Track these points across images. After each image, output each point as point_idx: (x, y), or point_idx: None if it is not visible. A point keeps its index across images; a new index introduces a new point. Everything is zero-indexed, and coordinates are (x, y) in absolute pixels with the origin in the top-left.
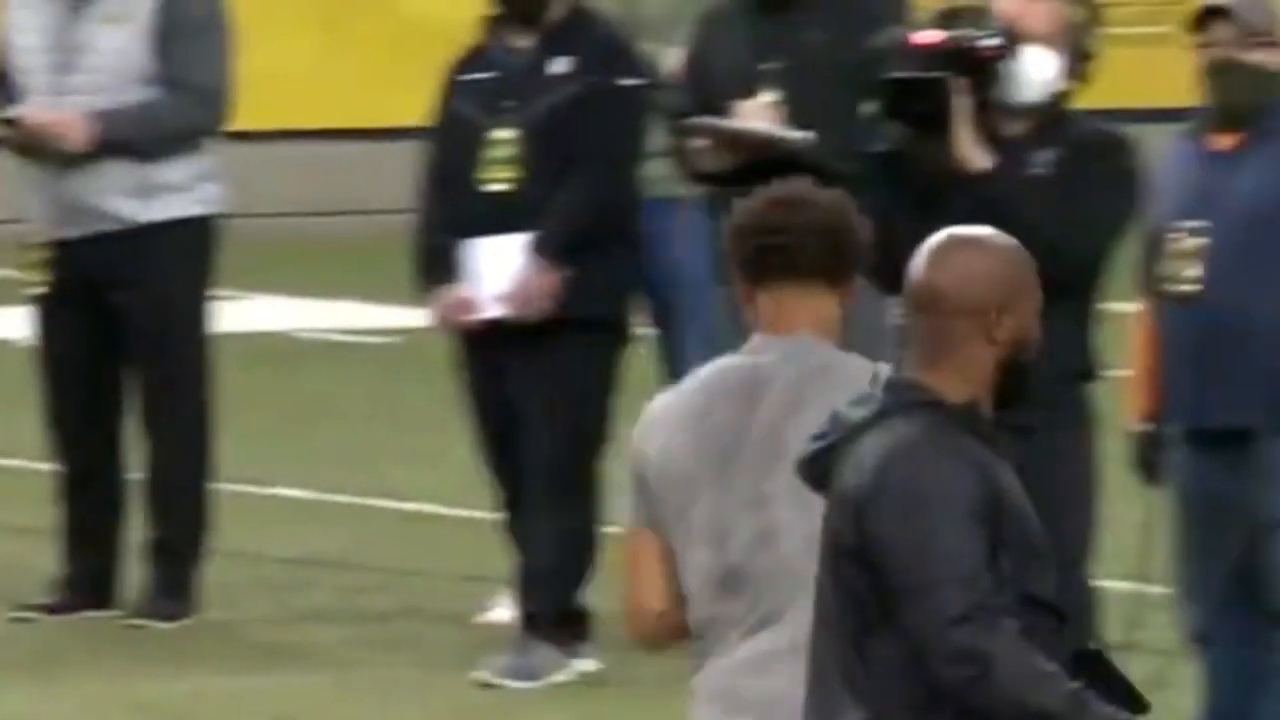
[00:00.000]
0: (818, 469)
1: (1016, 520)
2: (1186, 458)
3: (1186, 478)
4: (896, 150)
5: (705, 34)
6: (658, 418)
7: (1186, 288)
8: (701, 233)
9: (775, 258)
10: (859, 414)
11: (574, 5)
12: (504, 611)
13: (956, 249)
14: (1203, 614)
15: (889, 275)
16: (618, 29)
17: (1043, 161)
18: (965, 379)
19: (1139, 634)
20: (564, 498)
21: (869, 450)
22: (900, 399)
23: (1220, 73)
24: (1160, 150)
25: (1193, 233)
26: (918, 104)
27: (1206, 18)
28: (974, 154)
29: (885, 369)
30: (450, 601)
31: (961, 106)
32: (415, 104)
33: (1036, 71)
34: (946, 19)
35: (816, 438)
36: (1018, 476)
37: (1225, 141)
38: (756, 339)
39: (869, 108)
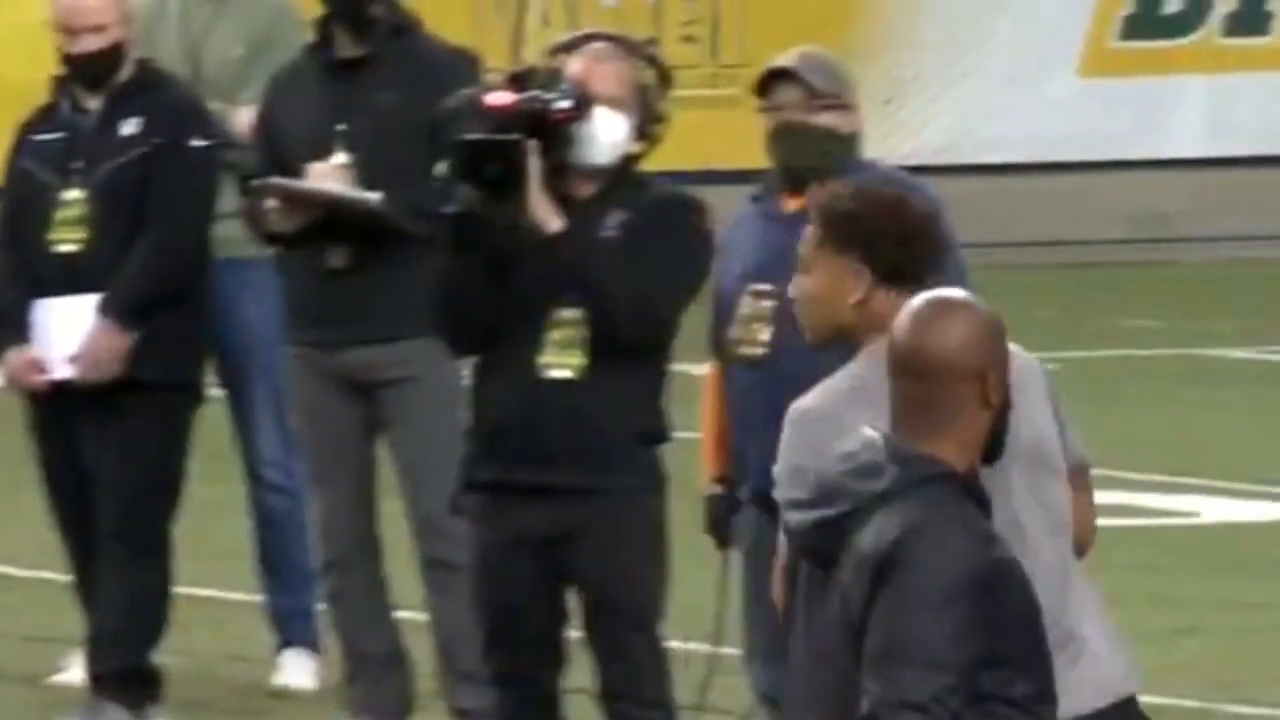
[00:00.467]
0: (829, 538)
1: (1019, 593)
2: (756, 520)
3: (755, 540)
4: (468, 212)
5: (277, 94)
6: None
7: (755, 350)
8: (271, 293)
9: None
10: (869, 486)
11: (143, 65)
12: (76, 672)
13: (944, 314)
14: (772, 676)
15: (459, 337)
16: (186, 89)
17: (613, 224)
18: (964, 445)
19: (710, 696)
20: (134, 558)
21: (889, 526)
22: (914, 473)
23: (786, 136)
24: (729, 212)
25: (760, 295)
26: (490, 166)
27: (772, 81)
28: (546, 216)
29: (872, 435)
30: (22, 661)
31: (533, 169)
32: None
33: (607, 134)
34: (517, 81)
35: (816, 504)
36: (583, 539)
37: (794, 204)
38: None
39: (441, 169)
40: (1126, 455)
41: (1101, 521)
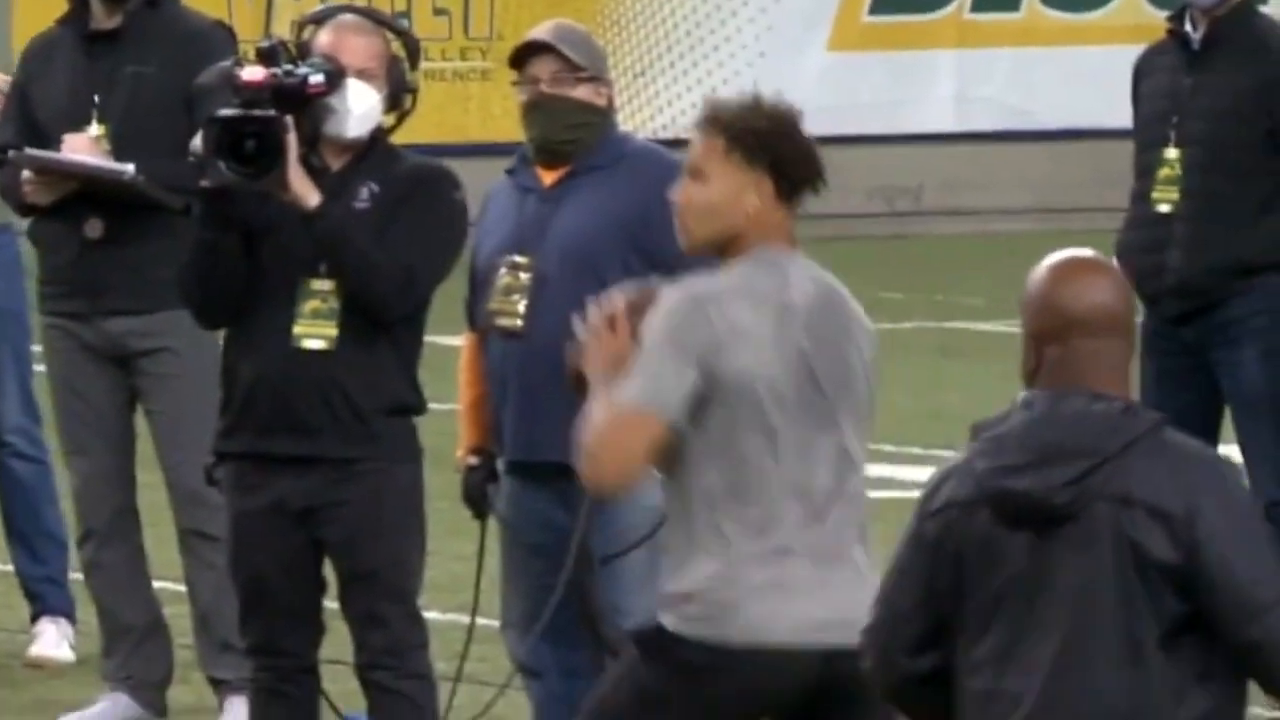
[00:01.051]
0: (1075, 496)
1: None
2: (514, 490)
3: (514, 510)
4: (225, 187)
5: (31, 65)
6: None
7: (513, 322)
8: (9, 262)
9: None
10: (1111, 441)
11: None
12: None
13: (1100, 270)
14: (529, 646)
15: (208, 309)
16: None
17: (365, 196)
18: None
19: (466, 665)
20: None
21: (1167, 469)
22: (1146, 421)
23: (541, 108)
24: (485, 185)
25: (517, 267)
26: (248, 142)
27: (528, 53)
28: (305, 191)
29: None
30: None
31: (291, 144)
32: None
33: (358, 105)
34: (267, 56)
35: (1042, 465)
36: (339, 510)
37: (549, 177)
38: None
39: (196, 145)
40: (881, 429)
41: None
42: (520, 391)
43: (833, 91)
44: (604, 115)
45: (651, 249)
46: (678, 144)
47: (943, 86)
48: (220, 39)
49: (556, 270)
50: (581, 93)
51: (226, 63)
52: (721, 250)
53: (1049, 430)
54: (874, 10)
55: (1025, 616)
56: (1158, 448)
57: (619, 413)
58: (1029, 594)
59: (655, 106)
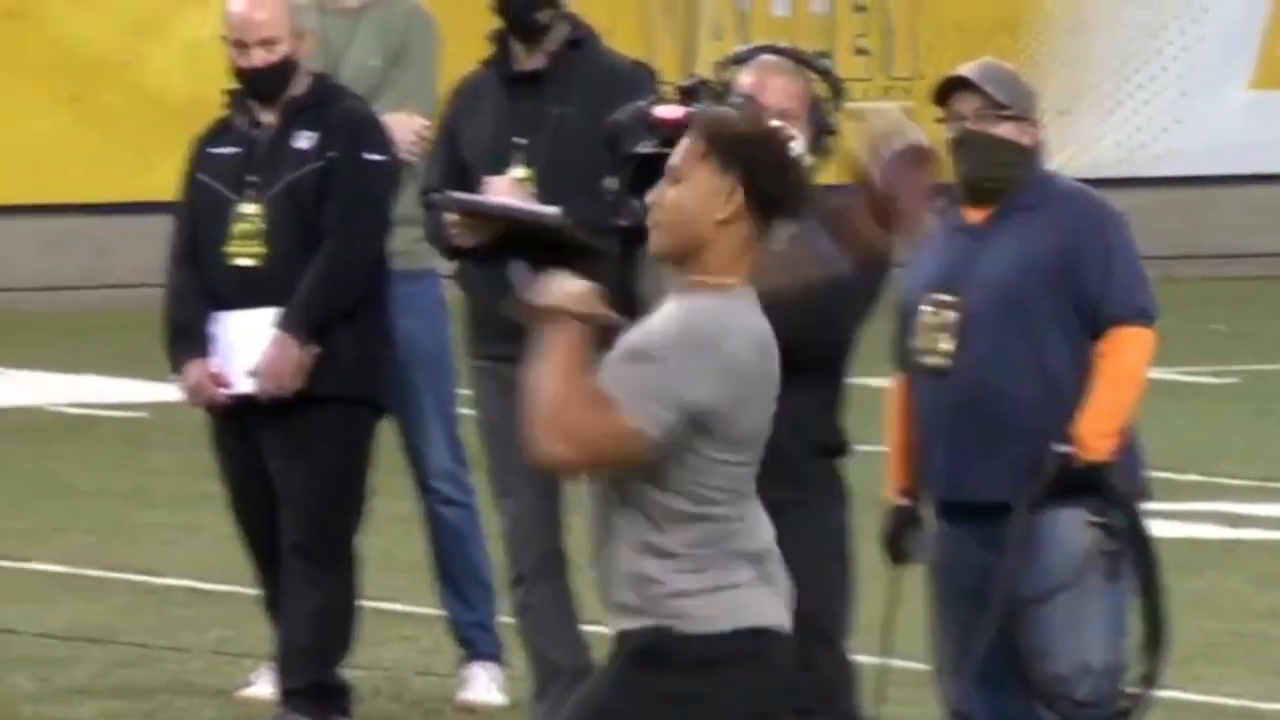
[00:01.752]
0: None
1: None
2: (942, 532)
3: (943, 552)
4: (641, 225)
5: (457, 107)
6: None
7: (938, 361)
8: (434, 305)
9: None
10: None
11: (318, 79)
12: (264, 686)
13: None
14: (962, 690)
15: None
16: (360, 103)
17: (785, 236)
18: None
19: (887, 709)
20: (321, 573)
21: None
22: None
23: (965, 145)
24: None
25: (944, 306)
26: (661, 179)
27: (951, 90)
28: None
29: None
30: (210, 675)
31: None
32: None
33: None
34: (687, 94)
35: None
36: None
37: (976, 215)
38: None
39: (611, 183)
40: None
41: (1275, 535)
42: (948, 431)
43: (1255, 129)
44: (1030, 154)
45: (1078, 290)
46: (1102, 184)
47: None
48: (641, 79)
49: (983, 309)
50: (1006, 130)
51: (643, 101)
52: (684, 259)
53: None
54: None
55: None
56: None
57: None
58: None
59: (1080, 146)
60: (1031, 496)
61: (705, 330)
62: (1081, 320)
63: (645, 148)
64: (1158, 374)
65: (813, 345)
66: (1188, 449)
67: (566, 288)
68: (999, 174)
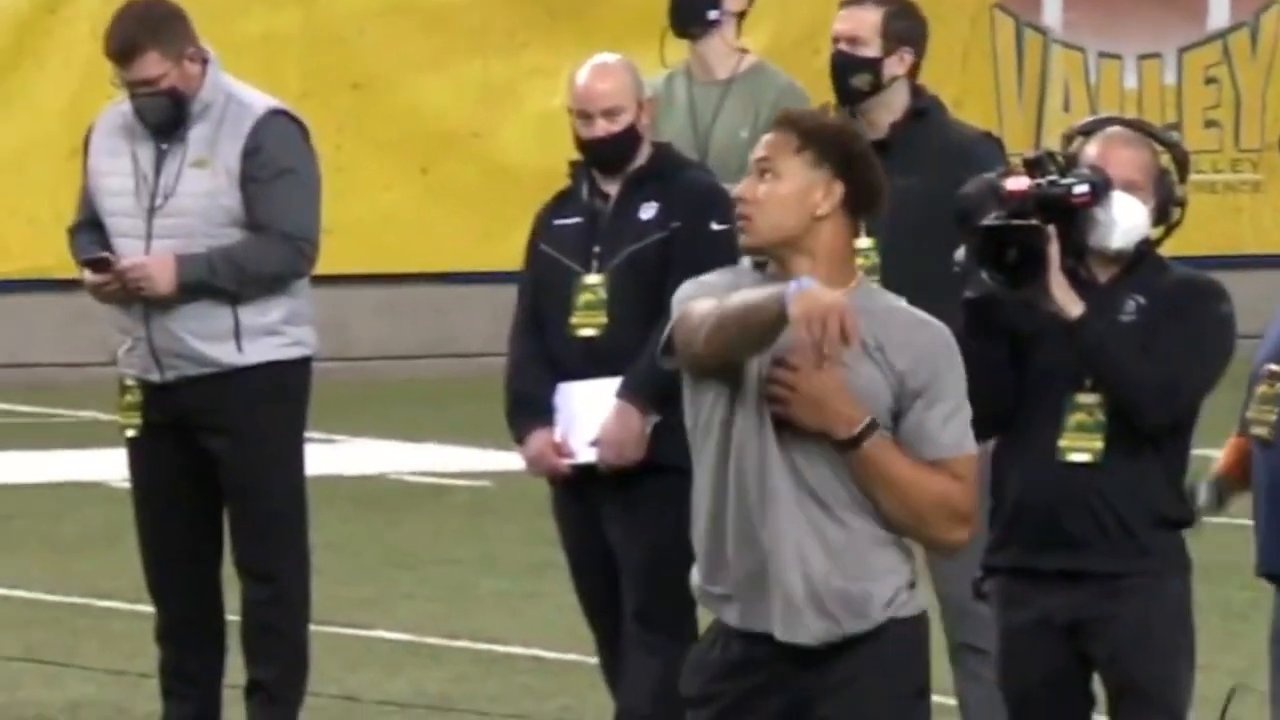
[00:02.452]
0: None
1: None
2: (1276, 602)
3: (1275, 622)
4: (989, 297)
5: None
6: None
7: (1262, 432)
8: None
9: None
10: None
11: (660, 149)
12: None
13: None
14: None
15: (986, 422)
16: (704, 172)
17: (1132, 308)
18: None
19: None
20: (661, 641)
21: None
22: None
23: None
24: (1256, 298)
25: (1274, 377)
26: (1010, 251)
27: None
28: (1067, 301)
29: None
30: None
31: (1053, 254)
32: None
33: (1125, 218)
34: (1033, 165)
35: None
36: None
37: None
38: None
39: (960, 254)
40: None
41: None
42: (1270, 502)
43: None
44: None
45: None
46: None
47: None
48: (989, 150)
49: None
50: None
51: (992, 174)
52: (783, 252)
53: None
54: None
55: None
56: None
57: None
58: None
59: None
60: None
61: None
62: None
63: (991, 220)
64: None
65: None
66: None
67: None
68: None
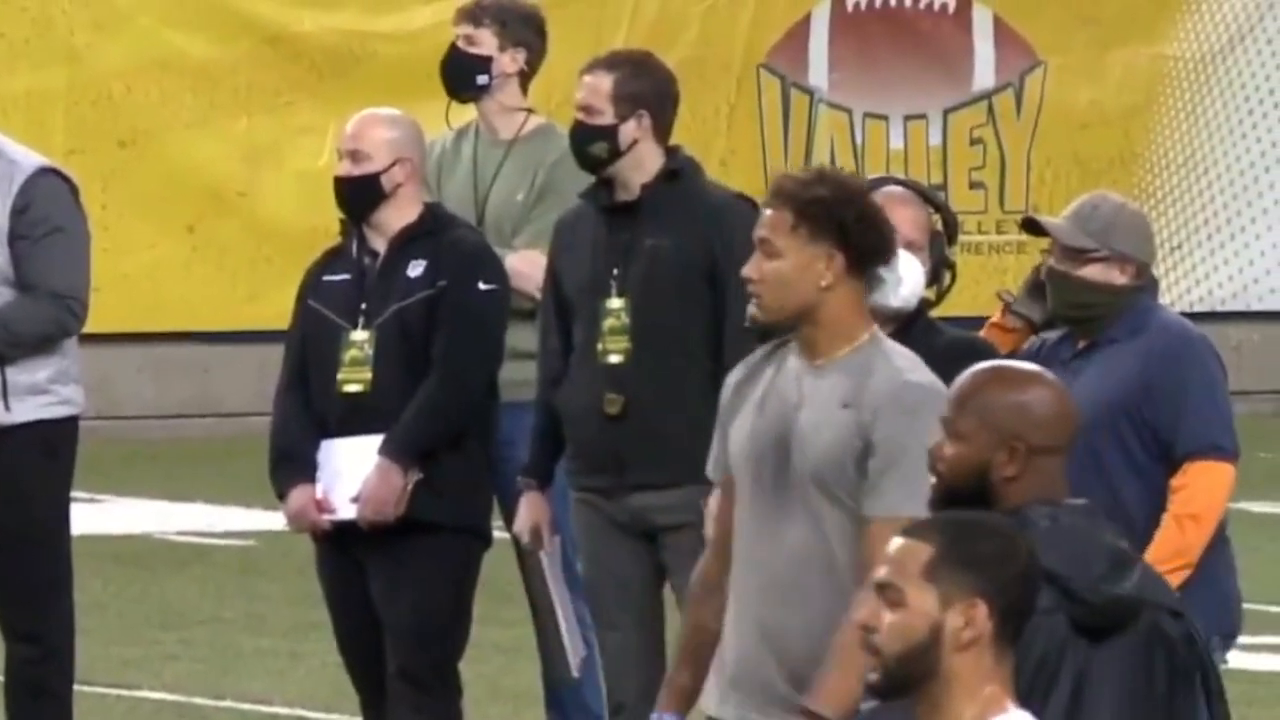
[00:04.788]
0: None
1: None
2: None
3: None
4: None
5: (561, 238)
6: None
7: None
8: None
9: None
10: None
11: (430, 209)
12: None
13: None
14: None
15: None
16: (473, 232)
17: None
18: None
19: None
20: (425, 700)
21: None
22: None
23: (1050, 283)
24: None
25: None
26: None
27: (1034, 229)
28: None
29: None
30: None
31: None
32: (271, 307)
33: (909, 277)
34: None
35: (1121, 574)
36: None
37: (1080, 343)
38: None
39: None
40: None
41: None
42: None
43: None
44: (1118, 293)
45: (1152, 423)
46: (1215, 317)
47: None
48: (743, 212)
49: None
50: (1090, 272)
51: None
52: (795, 323)
53: (1104, 536)
54: None
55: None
56: None
57: None
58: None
59: (1192, 280)
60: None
61: (927, 388)
62: (1157, 454)
63: None
64: (1269, 507)
65: None
66: None
67: None
68: (1081, 314)
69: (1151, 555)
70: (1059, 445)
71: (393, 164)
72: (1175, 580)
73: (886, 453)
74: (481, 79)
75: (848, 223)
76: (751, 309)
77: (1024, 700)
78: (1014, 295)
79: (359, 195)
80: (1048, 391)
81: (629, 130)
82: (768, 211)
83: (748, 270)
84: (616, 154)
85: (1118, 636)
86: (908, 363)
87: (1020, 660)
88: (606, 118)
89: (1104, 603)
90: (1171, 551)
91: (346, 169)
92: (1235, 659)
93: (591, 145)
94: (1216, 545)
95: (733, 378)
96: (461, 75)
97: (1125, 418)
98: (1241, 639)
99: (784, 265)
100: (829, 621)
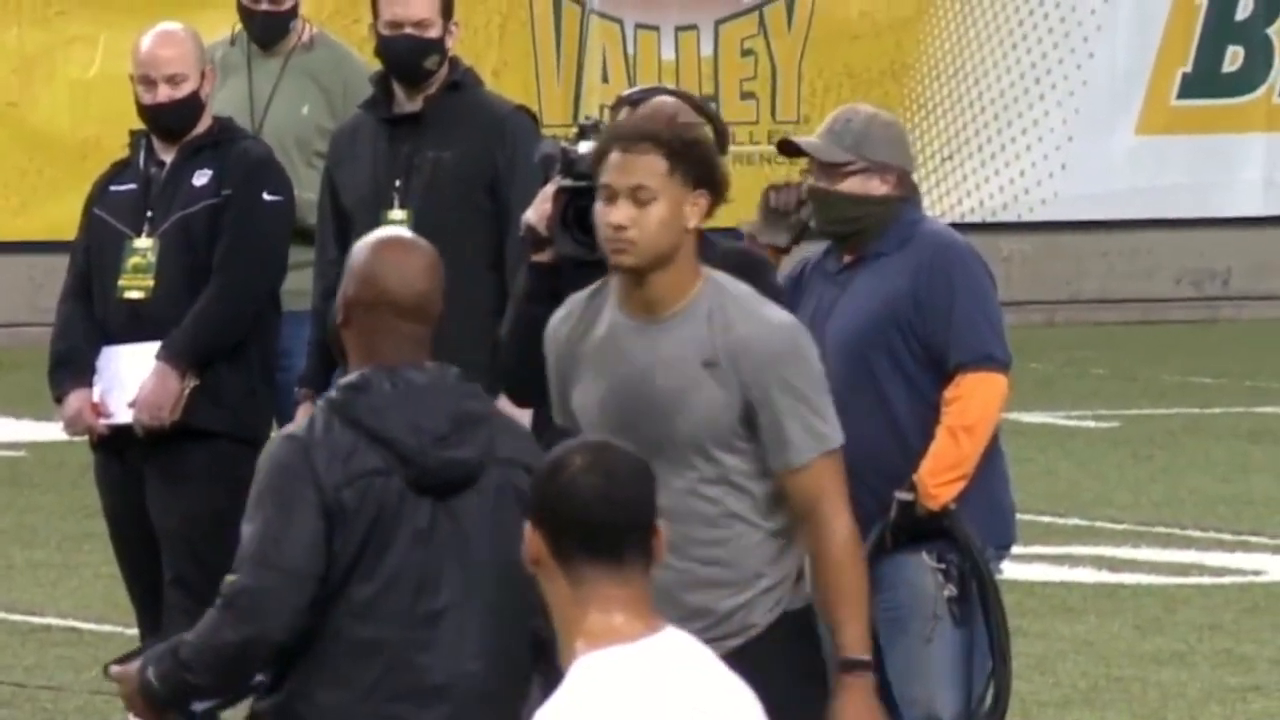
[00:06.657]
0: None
1: None
2: None
3: None
4: (561, 260)
5: (339, 150)
6: None
7: None
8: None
9: None
10: (485, 408)
11: (218, 120)
12: None
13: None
14: None
15: (531, 387)
16: (260, 144)
17: None
18: None
19: None
20: (200, 609)
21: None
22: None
23: (812, 200)
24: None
25: None
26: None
27: (790, 149)
28: None
29: None
30: (85, 716)
31: None
32: (42, 218)
33: None
34: (588, 131)
35: (464, 434)
36: None
37: (846, 258)
38: None
39: (529, 217)
40: (1189, 514)
41: (1167, 580)
42: None
43: (1140, 175)
44: (882, 203)
45: (923, 334)
46: (986, 228)
47: (1252, 170)
48: (522, 123)
49: (833, 355)
50: (850, 185)
51: (554, 141)
52: (654, 271)
53: (448, 399)
54: (1183, 94)
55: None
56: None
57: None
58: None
59: (963, 190)
60: (875, 542)
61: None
62: (929, 365)
63: (572, 181)
64: (1040, 418)
65: None
66: (1068, 493)
67: None
68: (847, 228)
69: (926, 467)
70: (407, 309)
71: (202, 79)
72: (951, 492)
73: (777, 405)
74: None
75: (714, 165)
76: (621, 257)
77: (355, 559)
78: (752, 226)
79: (182, 117)
80: (408, 257)
81: (449, 43)
82: (636, 156)
83: (620, 218)
84: (441, 66)
85: (468, 493)
86: (755, 302)
87: (355, 523)
88: (436, 30)
89: (437, 465)
90: (947, 464)
91: (168, 94)
92: (1008, 569)
93: (426, 59)
94: (991, 456)
95: (560, 323)
96: None
97: (895, 329)
98: (1013, 549)
99: (661, 210)
100: (716, 571)
